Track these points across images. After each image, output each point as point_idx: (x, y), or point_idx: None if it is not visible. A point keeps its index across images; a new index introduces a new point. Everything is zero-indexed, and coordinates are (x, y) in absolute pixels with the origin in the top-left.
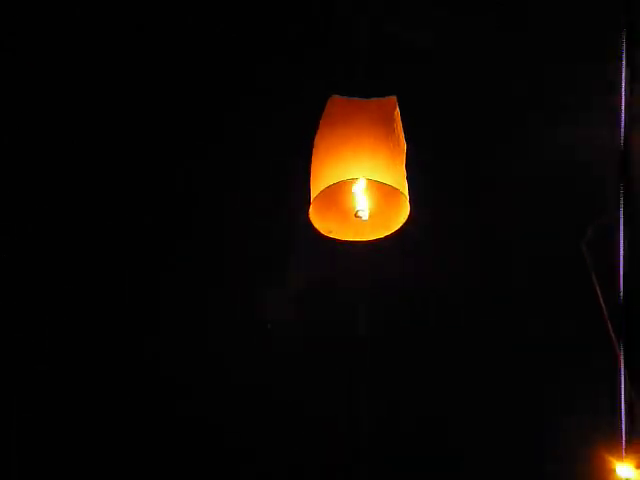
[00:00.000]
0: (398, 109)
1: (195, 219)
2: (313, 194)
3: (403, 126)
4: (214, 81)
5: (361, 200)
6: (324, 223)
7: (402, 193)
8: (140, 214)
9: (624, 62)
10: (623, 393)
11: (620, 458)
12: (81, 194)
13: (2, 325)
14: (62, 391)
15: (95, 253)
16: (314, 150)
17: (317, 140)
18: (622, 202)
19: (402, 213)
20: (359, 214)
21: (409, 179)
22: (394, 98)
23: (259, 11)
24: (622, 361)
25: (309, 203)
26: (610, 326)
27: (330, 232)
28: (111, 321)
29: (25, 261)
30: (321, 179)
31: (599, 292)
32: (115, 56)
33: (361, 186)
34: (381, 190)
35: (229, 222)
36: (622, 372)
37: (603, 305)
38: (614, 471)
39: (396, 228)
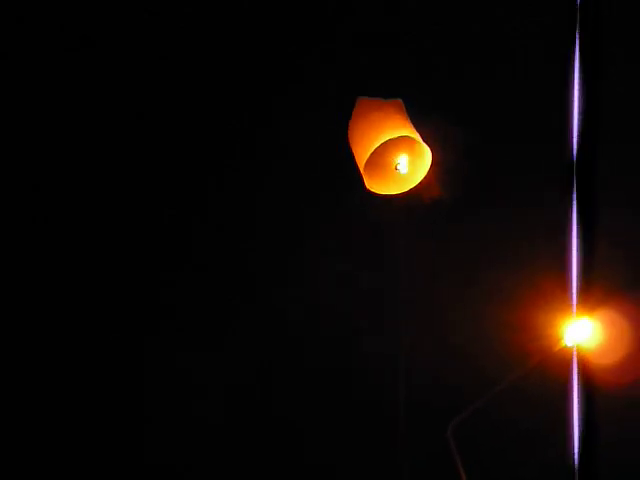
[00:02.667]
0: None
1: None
2: (364, 158)
3: None
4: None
5: (400, 156)
6: (368, 181)
7: (426, 147)
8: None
9: None
10: None
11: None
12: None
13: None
14: (66, 391)
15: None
16: (351, 133)
17: (352, 124)
18: None
19: (422, 168)
20: (399, 167)
21: None
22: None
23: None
24: None
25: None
26: None
27: (371, 188)
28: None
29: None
30: (367, 146)
31: None
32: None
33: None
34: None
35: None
36: None
37: None
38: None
39: (419, 180)
